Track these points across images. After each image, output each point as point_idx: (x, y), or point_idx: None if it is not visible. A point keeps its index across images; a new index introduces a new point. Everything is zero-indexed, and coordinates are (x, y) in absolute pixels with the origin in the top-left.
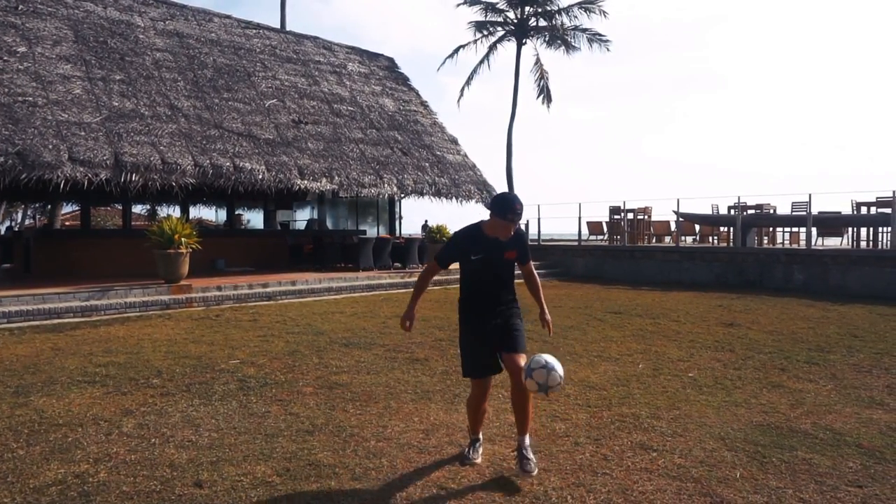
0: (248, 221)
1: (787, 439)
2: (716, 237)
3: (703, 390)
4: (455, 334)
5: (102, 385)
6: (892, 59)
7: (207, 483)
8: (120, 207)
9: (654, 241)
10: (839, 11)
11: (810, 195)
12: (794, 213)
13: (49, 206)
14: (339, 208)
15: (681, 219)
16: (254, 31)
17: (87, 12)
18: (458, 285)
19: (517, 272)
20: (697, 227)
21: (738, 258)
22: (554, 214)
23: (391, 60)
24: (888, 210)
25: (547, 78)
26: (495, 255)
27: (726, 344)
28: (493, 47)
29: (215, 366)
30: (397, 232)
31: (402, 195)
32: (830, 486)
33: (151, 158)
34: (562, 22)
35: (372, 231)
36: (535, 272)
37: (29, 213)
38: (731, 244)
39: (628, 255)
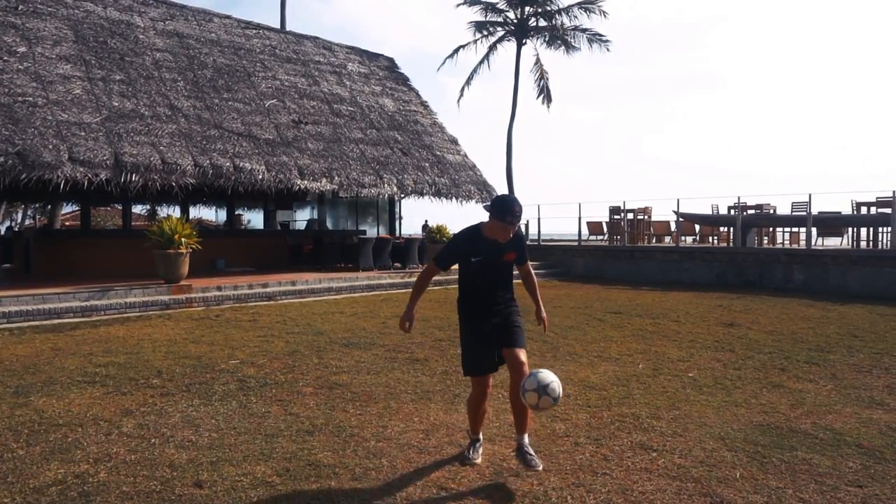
0: (249, 222)
1: (787, 439)
2: (716, 237)
3: (703, 390)
4: (455, 334)
5: (102, 385)
6: (892, 59)
7: (207, 483)
8: (120, 207)
9: (654, 241)
10: (839, 11)
11: (810, 195)
12: (794, 213)
13: (49, 207)
14: (339, 208)
15: (681, 219)
16: (254, 31)
17: (87, 12)
18: (458, 285)
19: (515, 272)
20: (697, 228)
21: (738, 258)
22: (554, 214)
23: (391, 60)
24: (888, 210)
25: (547, 78)
26: (495, 257)
27: (726, 344)
28: (492, 47)
29: (215, 366)
30: (397, 232)
31: (402, 195)
32: (830, 486)
33: (151, 158)
34: (562, 22)
35: (372, 231)
36: (532, 272)
37: (29, 213)
38: (731, 244)
39: (628, 255)
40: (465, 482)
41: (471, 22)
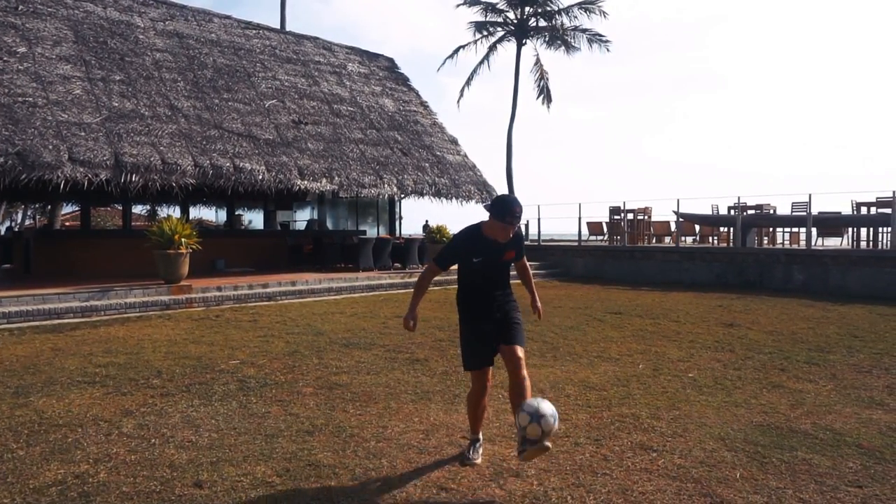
0: (251, 222)
1: (787, 439)
2: (716, 237)
3: (703, 391)
4: (455, 335)
5: (102, 385)
6: (892, 59)
7: (207, 483)
8: (120, 208)
9: (654, 241)
10: (839, 11)
11: (810, 195)
12: (794, 214)
13: (49, 207)
14: (339, 209)
15: (681, 219)
16: (254, 31)
17: (86, 13)
18: (457, 285)
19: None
20: (697, 228)
21: (738, 258)
22: (554, 214)
23: (391, 61)
24: (888, 210)
25: (547, 78)
26: (495, 256)
27: (726, 344)
28: (492, 48)
29: (215, 366)
30: (397, 232)
31: (402, 195)
32: (830, 487)
33: (151, 159)
34: (562, 22)
35: (372, 231)
36: (528, 265)
37: (29, 213)
38: (731, 244)
39: (628, 255)
40: (465, 482)
41: (471, 22)
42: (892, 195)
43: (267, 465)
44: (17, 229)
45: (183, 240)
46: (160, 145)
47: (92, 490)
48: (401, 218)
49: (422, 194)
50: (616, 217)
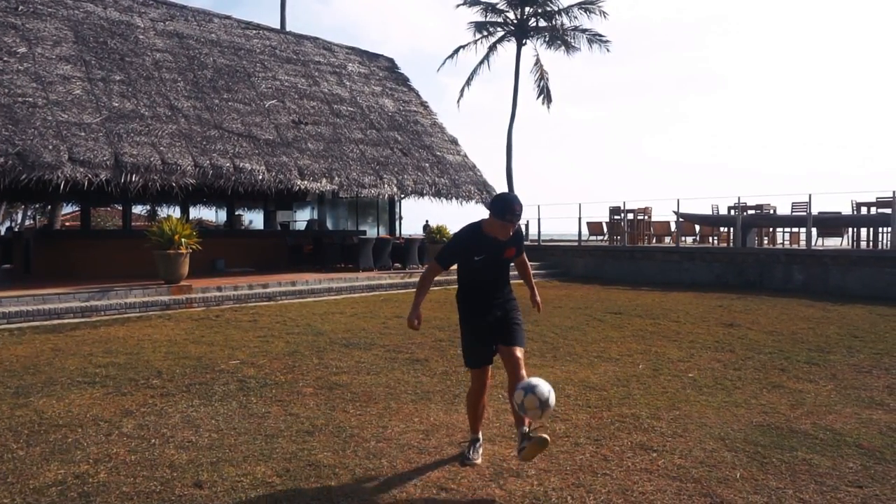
0: (251, 222)
1: (787, 440)
2: (716, 237)
3: (703, 391)
4: (455, 335)
5: (102, 386)
6: (892, 59)
7: (207, 483)
8: (120, 208)
9: (654, 241)
10: (839, 11)
11: (810, 195)
12: (794, 214)
13: (49, 207)
14: (339, 209)
15: (681, 219)
16: (254, 31)
17: (87, 13)
18: (457, 283)
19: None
20: (697, 228)
21: (738, 258)
22: (554, 215)
23: (391, 61)
24: (888, 210)
25: (547, 78)
26: (496, 254)
27: (726, 344)
28: (492, 48)
29: (215, 366)
30: (397, 232)
31: (402, 196)
32: (830, 487)
33: (151, 159)
34: (562, 22)
35: (372, 231)
36: (527, 261)
37: (29, 213)
38: (731, 244)
39: (628, 255)
40: (465, 482)
41: (471, 22)
42: (892, 195)
43: (267, 465)
44: (17, 229)
45: (183, 240)
46: (160, 145)
47: (92, 490)
48: (401, 218)
49: (422, 194)
50: (616, 217)
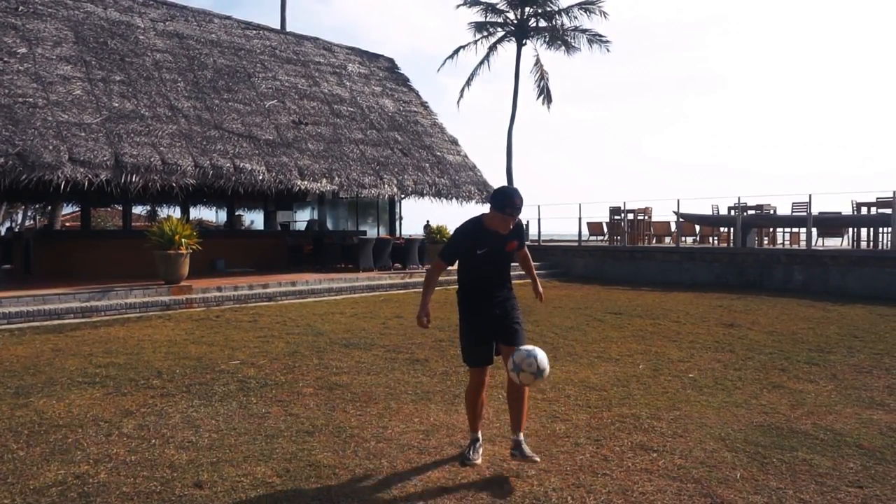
0: (252, 223)
1: (787, 440)
2: (716, 238)
3: (704, 391)
4: (455, 335)
5: (102, 386)
6: (893, 58)
7: (207, 484)
8: (120, 208)
9: (654, 241)
10: (839, 11)
11: (810, 195)
12: (794, 214)
13: (49, 207)
14: (340, 209)
15: (681, 219)
16: (254, 31)
17: (87, 13)
18: (457, 281)
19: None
20: (697, 228)
21: (738, 259)
22: (554, 215)
23: (391, 61)
24: (888, 210)
25: (547, 78)
26: (498, 248)
27: (726, 344)
28: (493, 48)
29: (215, 367)
30: (397, 232)
31: (403, 196)
32: (831, 487)
33: (152, 159)
34: (562, 22)
35: (372, 232)
36: (528, 254)
37: (29, 213)
38: (732, 245)
39: (628, 255)
40: (466, 483)
41: (471, 22)
42: (892, 195)
43: (267, 465)
44: (17, 230)
45: (183, 240)
46: (160, 146)
47: (92, 490)
48: (401, 218)
49: (422, 195)
50: (616, 217)
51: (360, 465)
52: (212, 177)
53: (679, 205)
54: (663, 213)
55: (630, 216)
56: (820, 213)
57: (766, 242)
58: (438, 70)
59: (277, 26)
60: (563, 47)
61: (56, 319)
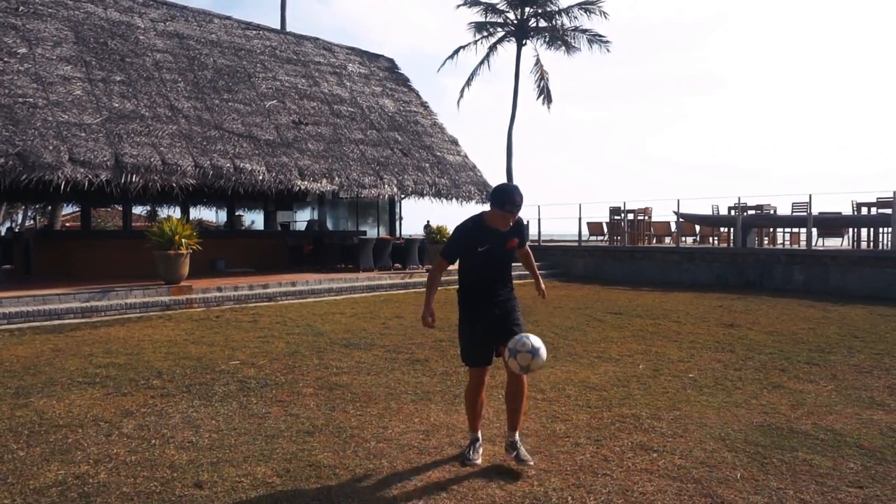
0: (253, 223)
1: (787, 440)
2: (716, 238)
3: (704, 391)
4: (455, 335)
5: (103, 386)
6: (893, 58)
7: (207, 484)
8: (120, 208)
9: (654, 241)
10: (839, 12)
11: (810, 196)
12: (794, 214)
13: (49, 207)
14: (340, 209)
15: (681, 219)
16: (254, 32)
17: (87, 13)
18: (458, 280)
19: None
20: (698, 228)
21: (738, 259)
22: (554, 215)
23: (391, 61)
24: (888, 211)
25: (547, 78)
26: (498, 245)
27: (727, 344)
28: (493, 48)
29: (215, 367)
30: (398, 233)
31: (403, 196)
32: (831, 487)
33: (152, 159)
34: (562, 23)
35: (372, 232)
36: (530, 252)
37: (29, 214)
38: (732, 245)
39: (628, 255)
40: (466, 483)
41: (471, 23)
42: (892, 195)
43: (267, 465)
44: (17, 230)
45: (183, 240)
46: (160, 146)
47: (92, 490)
48: (401, 218)
49: (422, 195)
50: (616, 217)
51: (360, 465)
52: (212, 177)
53: (679, 205)
54: (663, 214)
55: (630, 216)
56: (820, 213)
57: (766, 242)
58: (438, 70)
59: (277, 26)
60: (563, 47)
61: (56, 319)
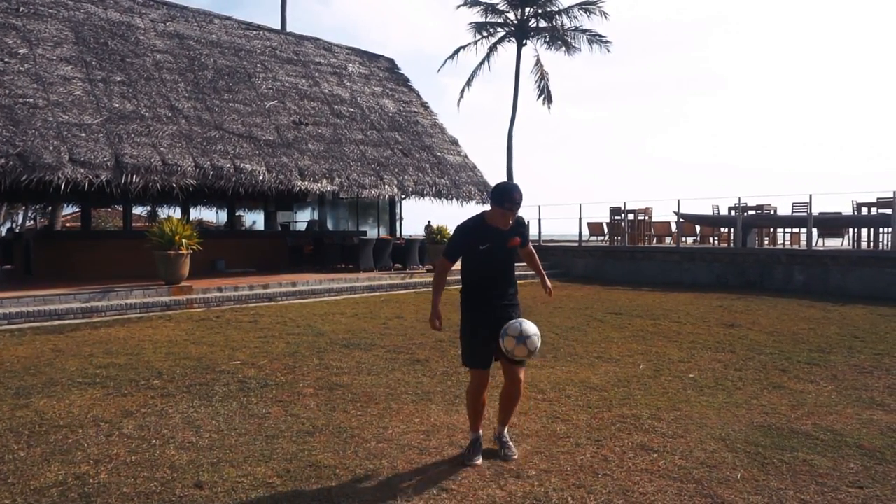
0: (254, 223)
1: (787, 440)
2: (716, 238)
3: (704, 391)
4: (456, 335)
5: (103, 386)
6: (893, 58)
7: (208, 484)
8: (120, 209)
9: (654, 241)
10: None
11: (811, 196)
12: (794, 214)
13: (49, 208)
14: (340, 209)
15: (681, 219)
16: (254, 32)
17: (87, 14)
18: (460, 278)
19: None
20: (698, 228)
21: (738, 259)
22: (554, 215)
23: (391, 61)
24: (888, 211)
25: (547, 79)
26: (499, 244)
27: (727, 345)
28: (493, 48)
29: (216, 367)
30: (398, 233)
31: (403, 196)
32: (831, 487)
33: (152, 160)
34: (562, 23)
35: (372, 232)
36: (534, 251)
37: (29, 214)
38: (732, 245)
39: (629, 255)
40: (466, 483)
41: (471, 23)
42: (892, 195)
43: (267, 465)
44: (17, 230)
45: (183, 241)
46: (161, 146)
47: (92, 491)
48: (401, 219)
49: (422, 195)
50: (616, 217)
51: (360, 466)
52: (212, 177)
53: (679, 205)
54: (664, 214)
55: (630, 216)
56: (820, 213)
57: (766, 243)
58: (439, 70)
59: (278, 27)
60: (563, 47)
61: (56, 320)
